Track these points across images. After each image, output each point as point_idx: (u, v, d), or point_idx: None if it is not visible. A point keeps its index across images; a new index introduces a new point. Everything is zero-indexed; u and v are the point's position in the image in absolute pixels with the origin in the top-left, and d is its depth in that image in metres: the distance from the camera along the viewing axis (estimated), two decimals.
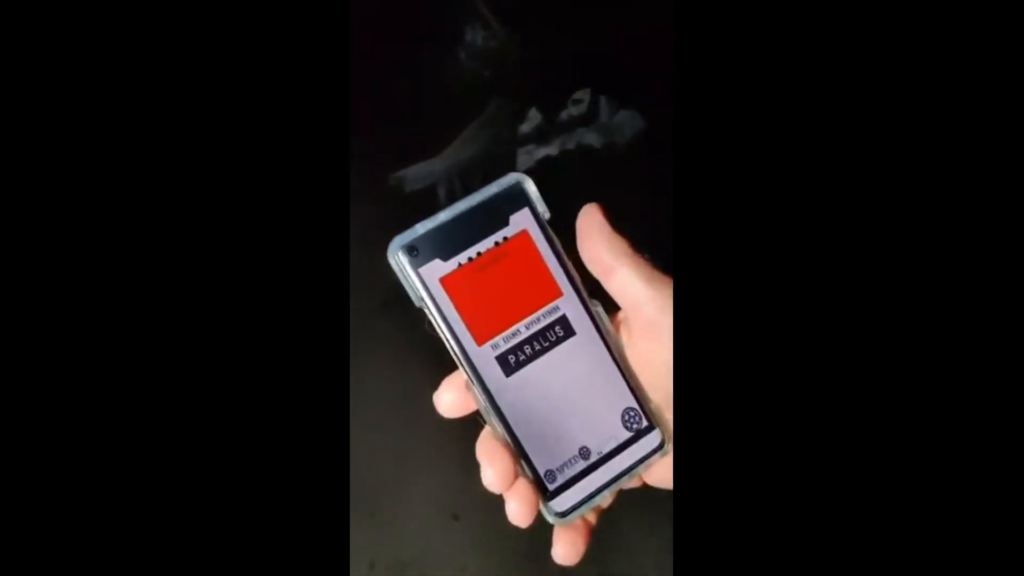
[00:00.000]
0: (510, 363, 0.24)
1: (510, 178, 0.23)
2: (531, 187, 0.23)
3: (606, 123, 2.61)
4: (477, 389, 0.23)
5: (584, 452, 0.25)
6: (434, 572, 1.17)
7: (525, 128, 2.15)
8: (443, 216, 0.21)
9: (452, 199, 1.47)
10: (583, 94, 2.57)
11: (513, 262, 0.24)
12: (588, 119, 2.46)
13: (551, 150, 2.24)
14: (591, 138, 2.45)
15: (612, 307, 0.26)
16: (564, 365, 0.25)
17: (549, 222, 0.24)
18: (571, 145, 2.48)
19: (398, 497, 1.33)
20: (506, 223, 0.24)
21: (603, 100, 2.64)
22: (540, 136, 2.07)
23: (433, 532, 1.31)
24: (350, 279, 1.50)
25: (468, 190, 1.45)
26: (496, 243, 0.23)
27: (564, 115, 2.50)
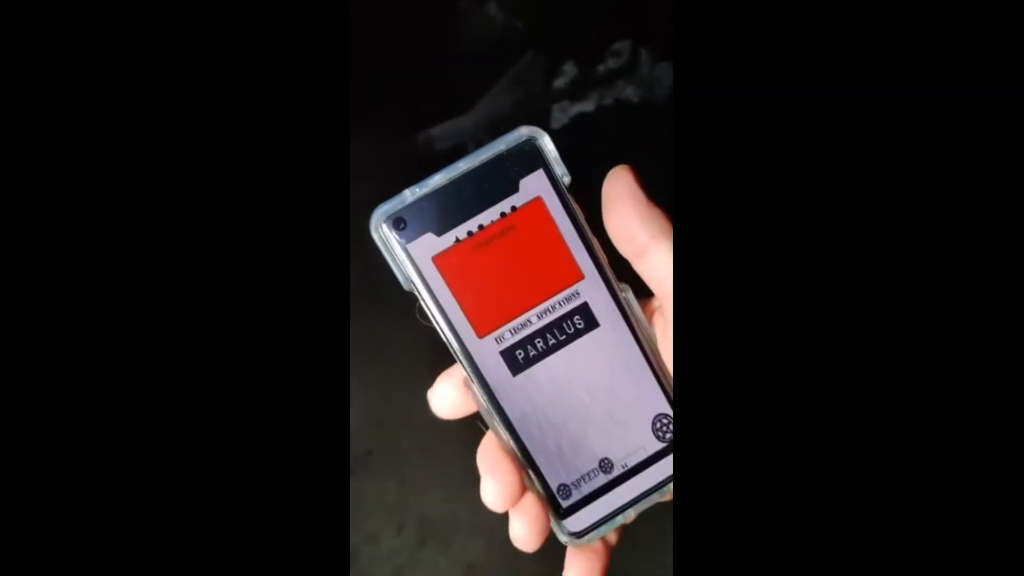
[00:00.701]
0: (518, 359, 0.20)
1: (520, 133, 0.18)
2: (547, 143, 0.18)
3: (646, 75, 2.45)
4: (478, 388, 0.19)
5: (605, 465, 0.21)
6: (463, 535, 1.20)
7: (560, 83, 2.03)
8: (437, 179, 0.17)
9: None
10: (623, 45, 2.41)
11: (523, 237, 0.20)
12: (627, 72, 2.31)
13: (587, 106, 2.12)
14: (630, 92, 2.31)
15: (644, 293, 0.21)
16: (584, 362, 0.21)
17: (570, 188, 0.19)
18: (608, 101, 2.34)
19: (429, 461, 1.36)
20: (516, 189, 0.19)
21: (644, 51, 2.47)
22: (575, 91, 1.96)
23: (463, 496, 1.34)
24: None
25: None
26: (503, 213, 0.19)
27: (601, 68, 2.36)
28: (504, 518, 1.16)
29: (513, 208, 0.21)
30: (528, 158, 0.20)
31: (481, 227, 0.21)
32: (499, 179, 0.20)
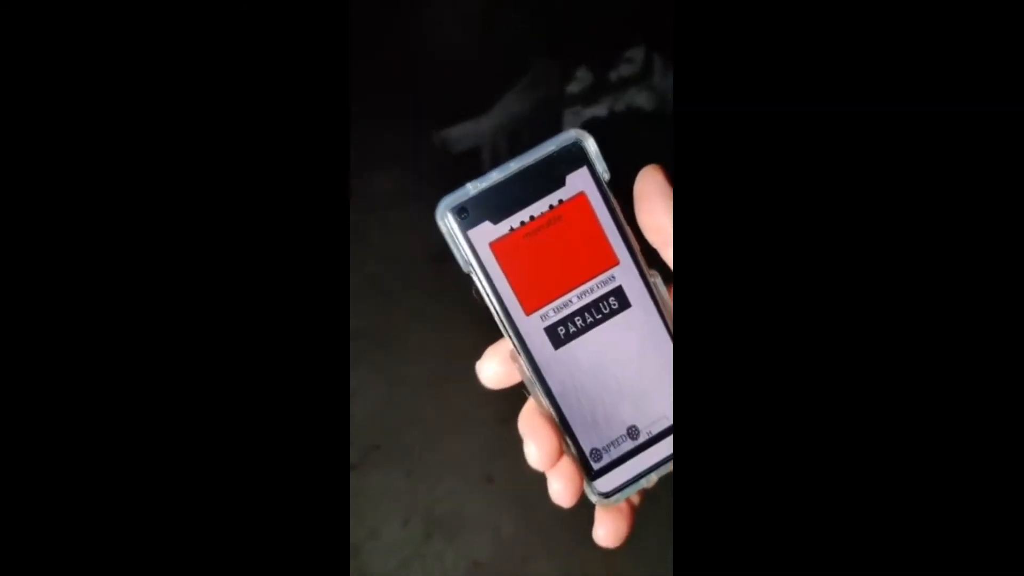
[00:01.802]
0: (559, 335, 0.22)
1: (568, 135, 0.20)
2: (591, 145, 0.20)
3: (659, 83, 2.45)
4: (523, 360, 0.21)
5: (633, 432, 0.23)
6: (468, 531, 1.21)
7: (573, 88, 2.05)
8: (495, 175, 0.19)
9: (496, 161, 1.42)
10: (636, 52, 2.42)
11: (568, 226, 0.22)
12: (640, 79, 2.32)
13: (600, 111, 2.13)
14: (642, 99, 2.31)
15: (670, 278, 0.22)
16: (617, 339, 0.23)
17: (609, 184, 0.21)
18: (621, 107, 2.35)
19: (435, 457, 1.37)
20: (562, 184, 0.21)
21: (657, 58, 2.47)
22: (589, 96, 1.97)
23: (468, 493, 1.35)
24: (403, 232, 1.48)
25: (513, 152, 1.39)
26: (551, 206, 0.21)
27: (614, 75, 2.37)
28: (507, 515, 1.17)
29: (560, 201, 0.22)
30: (574, 157, 0.22)
31: (532, 217, 0.22)
32: (548, 175, 0.22)
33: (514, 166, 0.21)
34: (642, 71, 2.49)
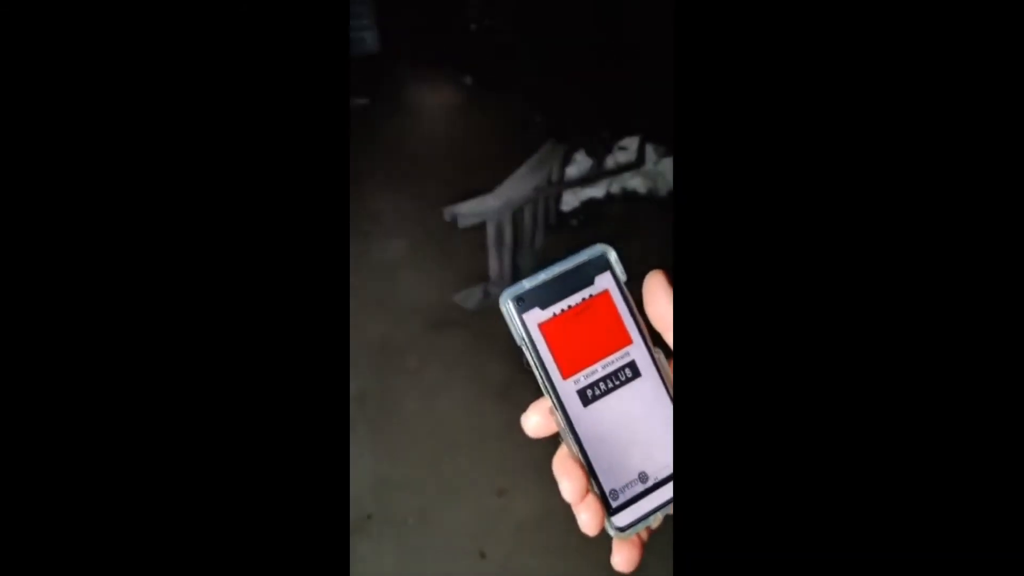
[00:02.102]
0: (588, 396, 0.27)
1: (597, 248, 0.27)
2: (613, 256, 0.27)
3: (651, 170, 2.63)
4: (559, 415, 0.26)
5: (643, 476, 0.28)
6: None
7: (572, 171, 2.21)
8: (543, 275, 0.25)
9: (500, 237, 1.52)
10: (630, 141, 2.62)
11: (595, 314, 0.28)
12: (634, 165, 2.49)
13: (596, 192, 2.28)
14: (636, 183, 2.48)
15: (670, 355, 0.28)
16: (631, 401, 0.28)
17: (626, 283, 0.27)
18: (616, 189, 2.51)
19: (427, 529, 1.33)
20: (592, 283, 0.27)
21: (650, 147, 2.68)
22: (587, 179, 2.12)
23: (459, 568, 1.29)
24: (410, 297, 1.53)
25: (516, 229, 1.50)
26: (583, 299, 0.27)
27: (611, 160, 2.55)
28: None
29: (590, 295, 0.29)
30: (601, 264, 0.29)
31: (569, 306, 0.29)
32: (582, 276, 0.29)
33: (557, 269, 0.27)
34: (637, 158, 2.70)
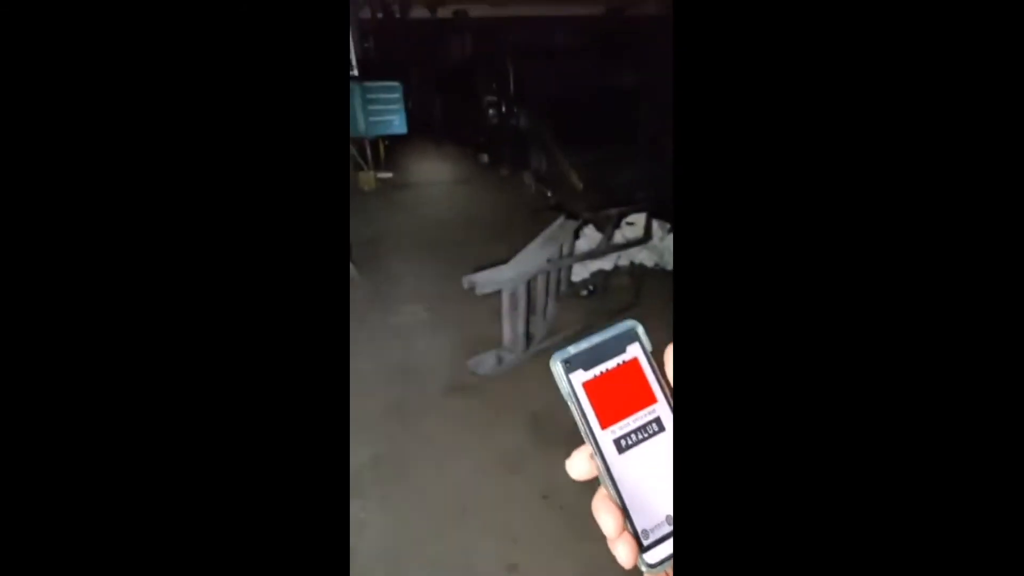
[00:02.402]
0: (622, 445, 0.33)
1: (628, 323, 0.33)
2: (641, 330, 0.34)
3: (657, 244, 2.75)
4: (599, 460, 0.32)
5: (669, 519, 0.32)
6: None
7: (583, 244, 2.33)
8: (585, 344, 0.31)
9: (514, 305, 1.59)
10: (637, 217, 2.76)
11: (627, 377, 0.34)
12: (642, 240, 2.61)
13: (605, 265, 2.38)
14: (643, 256, 2.58)
15: None
16: (657, 451, 0.34)
17: (652, 352, 0.34)
18: (624, 262, 2.60)
19: None
20: (624, 351, 0.34)
21: (656, 224, 2.81)
22: (596, 252, 2.23)
23: None
24: (427, 361, 1.58)
25: (529, 297, 1.59)
26: (618, 364, 0.34)
27: (619, 235, 2.67)
28: None
29: (624, 361, 0.36)
30: (632, 336, 0.36)
31: (607, 369, 0.35)
32: (616, 346, 0.36)
33: (596, 339, 0.34)
34: (644, 234, 2.83)
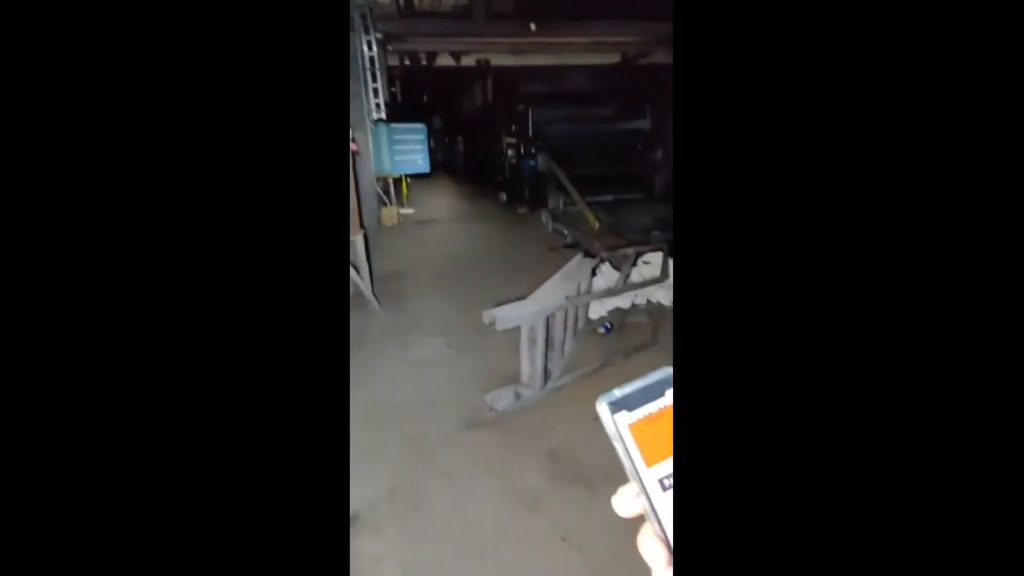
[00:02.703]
0: (664, 484, 0.34)
1: (667, 370, 0.36)
2: None
3: (673, 283, 2.74)
4: (644, 497, 0.34)
5: None
6: None
7: (600, 282, 2.36)
8: (629, 388, 0.35)
9: (533, 340, 1.61)
10: (654, 256, 2.80)
11: (667, 419, 0.37)
12: (658, 279, 2.63)
13: (622, 303, 2.39)
14: (660, 295, 2.59)
15: None
16: None
17: None
18: (641, 300, 2.61)
19: None
20: (663, 395, 0.36)
21: (672, 263, 2.82)
22: (614, 290, 2.25)
23: None
24: (444, 394, 1.60)
25: (548, 334, 1.61)
26: (659, 408, 0.36)
27: (636, 274, 2.70)
28: None
29: (664, 405, 0.39)
30: (669, 382, 0.39)
31: (650, 412, 0.38)
32: (656, 390, 0.39)
33: (639, 384, 0.37)
34: (661, 272, 2.86)
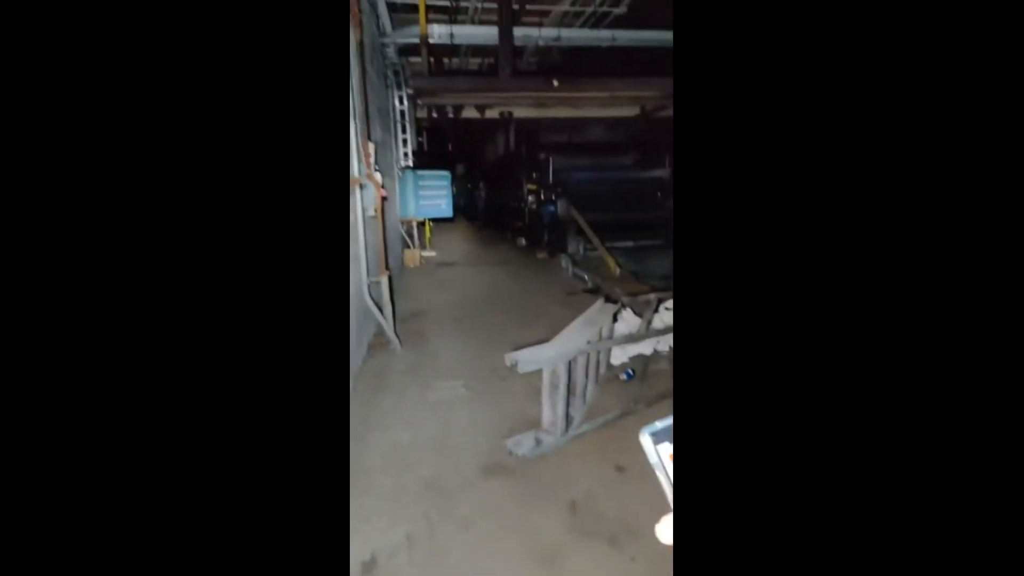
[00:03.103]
0: None
1: None
2: None
3: None
4: None
5: None
6: None
7: (622, 327, 2.35)
8: (668, 422, 0.35)
9: (554, 384, 1.61)
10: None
11: None
12: None
13: (644, 349, 2.37)
14: None
15: None
16: None
17: None
18: (663, 347, 2.58)
19: None
20: None
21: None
22: (636, 337, 2.24)
23: None
24: (463, 438, 1.58)
25: (569, 378, 1.62)
26: None
27: (658, 320, 2.68)
28: None
29: None
30: None
31: None
32: None
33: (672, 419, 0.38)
34: None
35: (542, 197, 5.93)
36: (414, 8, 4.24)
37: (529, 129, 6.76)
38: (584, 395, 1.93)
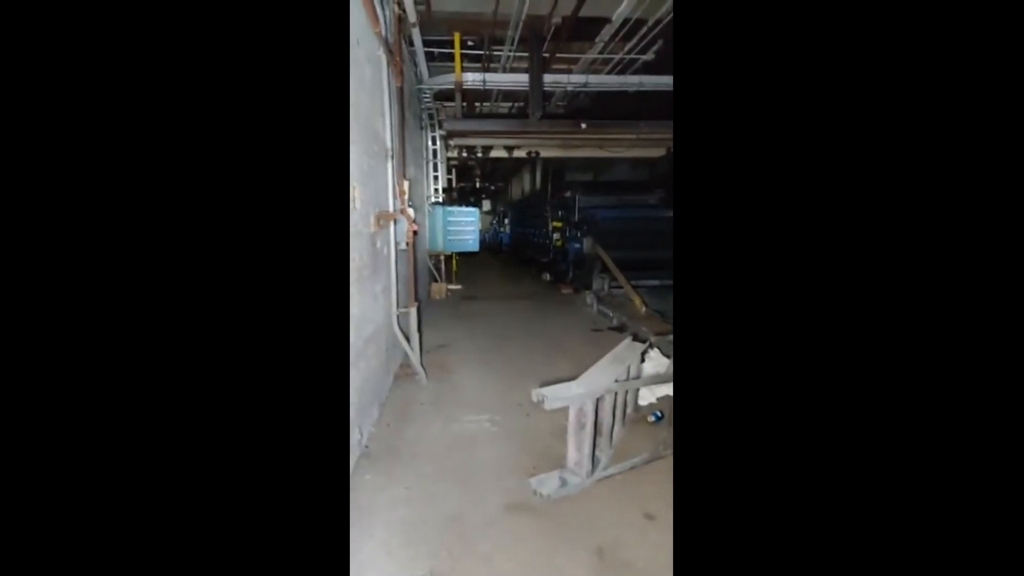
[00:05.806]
0: None
1: None
2: None
3: None
4: None
5: None
6: None
7: (649, 367, 2.31)
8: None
9: (581, 423, 1.61)
10: None
11: None
12: None
13: (670, 390, 2.31)
14: None
15: None
16: None
17: None
18: None
19: None
20: None
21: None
22: (664, 377, 2.20)
23: None
24: (487, 475, 1.56)
25: (597, 419, 1.62)
26: None
27: None
28: None
29: None
30: None
31: None
32: None
33: None
34: None
35: (567, 233, 5.99)
36: (450, 57, 4.49)
37: (555, 167, 6.90)
38: (611, 436, 1.89)
